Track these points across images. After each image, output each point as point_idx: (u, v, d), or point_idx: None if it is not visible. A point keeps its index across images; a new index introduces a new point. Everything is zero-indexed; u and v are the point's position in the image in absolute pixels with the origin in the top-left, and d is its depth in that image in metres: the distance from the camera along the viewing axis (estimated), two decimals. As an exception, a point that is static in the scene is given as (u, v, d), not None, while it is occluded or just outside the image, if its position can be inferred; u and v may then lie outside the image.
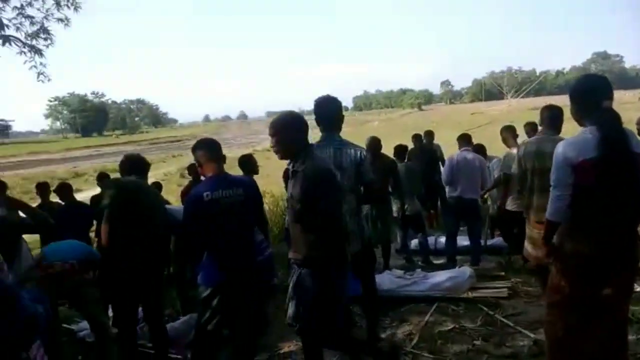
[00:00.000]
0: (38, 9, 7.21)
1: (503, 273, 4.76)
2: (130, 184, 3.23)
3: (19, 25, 7.16)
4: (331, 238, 2.52)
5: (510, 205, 5.07)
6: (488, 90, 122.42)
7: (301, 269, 2.57)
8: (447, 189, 5.91)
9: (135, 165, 3.34)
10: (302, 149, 2.58)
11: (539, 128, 3.94)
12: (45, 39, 7.42)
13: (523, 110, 44.71)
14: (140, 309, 3.31)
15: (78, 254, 3.22)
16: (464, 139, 5.76)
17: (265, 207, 6.94)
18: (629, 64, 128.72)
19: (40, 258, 3.13)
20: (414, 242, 6.24)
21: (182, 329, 3.83)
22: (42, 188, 5.75)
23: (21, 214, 3.11)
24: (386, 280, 4.54)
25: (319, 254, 2.50)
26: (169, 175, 21.68)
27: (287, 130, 2.60)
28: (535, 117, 4.14)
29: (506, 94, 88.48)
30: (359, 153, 3.08)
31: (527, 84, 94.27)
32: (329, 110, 3.17)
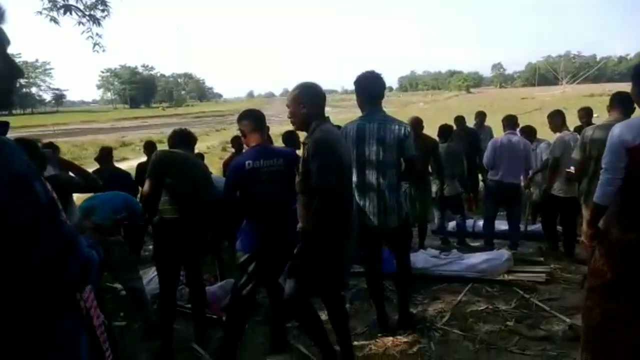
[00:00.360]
0: (97, -20, 7.41)
1: (542, 258, 4.64)
2: (175, 153, 3.34)
3: (79, -4, 7.39)
4: (325, 210, 2.41)
5: (556, 190, 4.91)
6: (542, 75, 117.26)
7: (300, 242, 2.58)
8: (489, 172, 5.77)
9: (183, 138, 3.44)
10: (314, 121, 2.57)
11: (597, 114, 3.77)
12: (103, 10, 7.64)
13: (577, 96, 42.54)
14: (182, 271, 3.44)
15: (121, 208, 3.51)
16: (510, 121, 5.55)
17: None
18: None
19: (88, 213, 3.35)
20: (452, 224, 6.17)
21: (219, 293, 3.98)
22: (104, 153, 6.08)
23: (71, 174, 3.31)
24: (421, 258, 4.53)
25: (311, 227, 2.47)
26: (211, 148, 22.16)
27: (299, 101, 2.61)
28: (590, 104, 3.97)
29: (561, 80, 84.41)
30: (402, 129, 3.07)
31: (585, 69, 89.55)
32: (371, 86, 3.15)
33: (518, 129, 5.67)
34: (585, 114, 6.80)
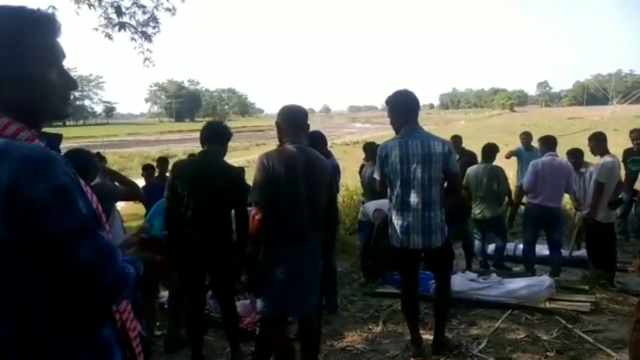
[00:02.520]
0: (150, -1, 7.81)
1: (587, 287, 4.44)
2: (187, 161, 3.31)
3: (132, 14, 7.80)
4: (248, 221, 2.61)
5: (600, 216, 4.72)
6: (591, 94, 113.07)
7: None
8: (528, 195, 5.58)
9: (211, 133, 3.16)
10: (285, 139, 2.66)
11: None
12: (154, 27, 8.03)
13: (629, 117, 40.75)
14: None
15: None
16: (547, 142, 5.35)
17: (340, 199, 7.06)
18: None
19: (142, 228, 3.44)
20: (491, 247, 6.01)
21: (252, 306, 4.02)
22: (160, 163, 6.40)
23: (116, 184, 3.47)
24: (458, 281, 4.42)
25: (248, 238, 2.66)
26: (251, 162, 22.57)
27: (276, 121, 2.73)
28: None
29: (612, 99, 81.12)
30: (446, 145, 3.07)
31: (638, 89, 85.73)
32: (406, 103, 3.16)
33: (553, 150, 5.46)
34: (638, 136, 6.51)
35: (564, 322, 3.72)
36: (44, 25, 1.07)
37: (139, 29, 7.99)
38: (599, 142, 4.91)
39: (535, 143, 8.03)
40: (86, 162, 2.81)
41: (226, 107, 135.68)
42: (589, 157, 5.39)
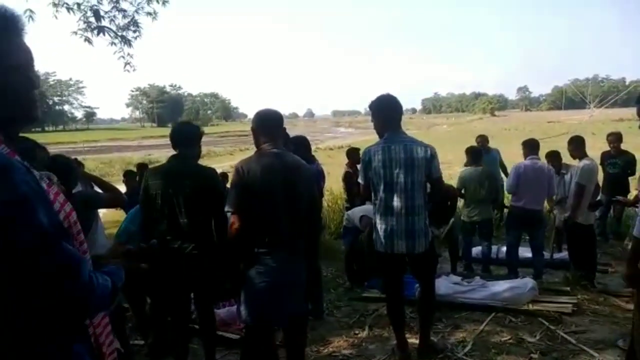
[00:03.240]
0: (130, 3, 7.73)
1: (568, 288, 4.50)
2: (157, 167, 3.20)
3: (112, 18, 7.70)
4: (225, 229, 2.61)
5: (580, 218, 4.81)
6: (569, 99, 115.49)
7: None
8: (511, 198, 5.67)
9: (182, 135, 3.01)
10: (261, 145, 2.67)
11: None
12: (135, 31, 7.94)
13: (606, 121, 41.69)
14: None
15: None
16: (529, 146, 5.42)
17: (325, 204, 7.06)
18: None
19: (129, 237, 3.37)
20: (475, 250, 6.06)
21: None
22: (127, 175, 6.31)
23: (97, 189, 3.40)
24: (442, 285, 4.44)
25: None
26: (234, 168, 22.47)
27: (252, 127, 2.73)
28: (620, 129, 3.90)
29: (589, 103, 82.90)
30: (428, 150, 3.07)
31: (614, 93, 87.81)
32: (389, 108, 3.17)
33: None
34: (616, 139, 6.65)
35: (546, 323, 3.76)
36: (10, 25, 1.03)
37: (119, 33, 7.90)
38: (577, 145, 5.00)
39: (514, 147, 8.11)
40: (69, 170, 2.75)
41: (209, 111, 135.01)
42: (567, 160, 5.48)
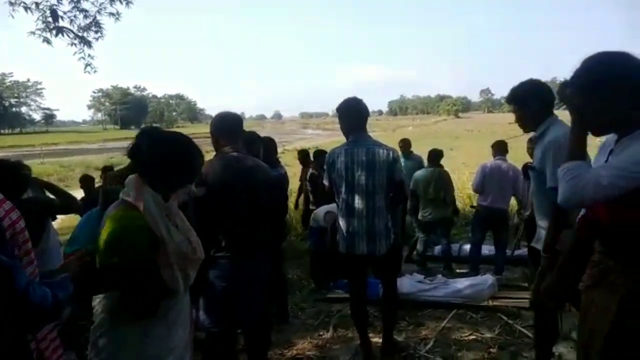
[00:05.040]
0: (92, 3, 7.50)
1: (527, 284, 4.64)
2: (117, 174, 3.03)
3: (72, 18, 7.46)
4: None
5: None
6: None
7: None
8: (477, 197, 5.84)
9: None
10: (223, 148, 2.64)
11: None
12: (96, 32, 7.72)
13: (566, 121, 43.27)
14: None
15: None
16: (498, 147, 5.62)
17: (290, 205, 7.05)
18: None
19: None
20: (437, 249, 6.18)
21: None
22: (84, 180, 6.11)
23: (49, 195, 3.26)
24: (406, 284, 4.51)
25: None
26: (201, 170, 22.14)
27: (210, 130, 2.72)
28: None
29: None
30: (391, 153, 3.09)
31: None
32: (356, 111, 3.18)
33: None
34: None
35: (505, 318, 3.87)
36: None
37: (79, 34, 7.67)
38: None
39: (477, 147, 8.29)
40: (13, 175, 2.62)
41: (174, 113, 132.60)
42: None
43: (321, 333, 3.83)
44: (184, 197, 1.81)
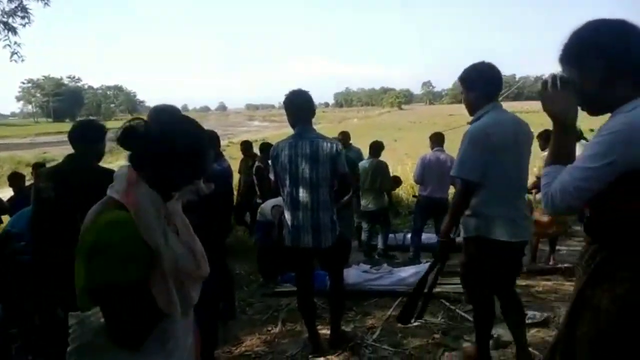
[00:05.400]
0: (18, -14, 6.99)
1: (467, 270, 4.83)
2: (50, 172, 2.86)
3: (-5, 2, 6.92)
4: None
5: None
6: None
7: None
8: (418, 188, 6.05)
9: (79, 133, 2.74)
10: None
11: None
12: (23, 17, 7.19)
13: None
14: None
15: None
16: (435, 139, 5.84)
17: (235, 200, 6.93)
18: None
19: None
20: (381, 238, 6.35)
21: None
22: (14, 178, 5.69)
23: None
24: (353, 274, 4.57)
25: None
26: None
27: None
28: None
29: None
30: (334, 146, 3.08)
31: (506, 88, 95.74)
32: (301, 104, 3.15)
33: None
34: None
35: (447, 304, 4.01)
36: None
37: (4, 19, 7.13)
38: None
39: (420, 138, 8.50)
40: None
41: (112, 105, 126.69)
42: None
43: (269, 328, 3.81)
44: (191, 197, 1.39)
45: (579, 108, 1.41)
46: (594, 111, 1.38)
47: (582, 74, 1.35)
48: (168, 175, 1.29)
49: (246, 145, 7.05)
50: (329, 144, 3.08)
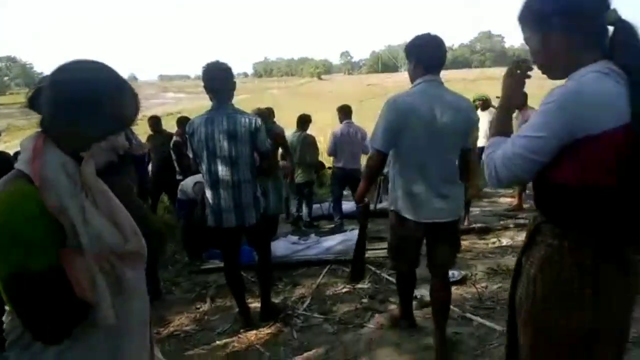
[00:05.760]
0: None
1: (390, 235, 5.02)
2: None
3: None
4: None
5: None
6: (384, 63, 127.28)
7: None
8: (332, 160, 6.21)
9: None
10: None
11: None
12: None
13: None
14: None
15: None
16: (344, 112, 5.99)
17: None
18: (509, 43, 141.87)
19: None
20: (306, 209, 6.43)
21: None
22: None
23: None
24: (281, 246, 4.59)
25: None
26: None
27: None
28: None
29: (400, 67, 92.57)
30: (253, 121, 2.97)
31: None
32: (217, 77, 2.98)
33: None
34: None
35: (373, 269, 4.16)
36: None
37: None
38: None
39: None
40: None
41: (5, 78, 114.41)
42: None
43: (198, 306, 3.73)
44: (109, 157, 1.15)
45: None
46: (554, 76, 1.37)
47: (541, 38, 1.32)
48: (73, 129, 1.09)
49: (155, 121, 6.59)
50: (247, 119, 2.95)
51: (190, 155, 3.12)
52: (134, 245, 1.20)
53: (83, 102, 1.08)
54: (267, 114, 6.86)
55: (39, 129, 1.12)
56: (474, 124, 2.77)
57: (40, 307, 1.03)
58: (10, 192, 1.03)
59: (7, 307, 1.12)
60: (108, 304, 1.10)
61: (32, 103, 1.12)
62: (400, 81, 57.30)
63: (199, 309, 3.69)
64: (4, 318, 1.14)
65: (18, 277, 1.00)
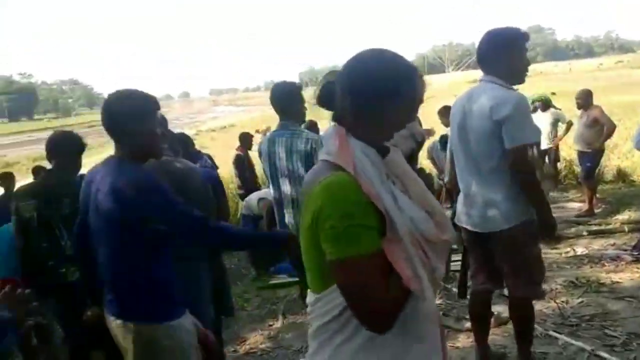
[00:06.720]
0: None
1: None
2: (29, 189, 2.75)
3: None
4: None
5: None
6: (430, 64, 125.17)
7: None
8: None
9: (57, 146, 2.64)
10: None
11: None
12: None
13: (464, 82, 45.82)
14: None
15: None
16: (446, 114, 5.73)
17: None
18: (560, 36, 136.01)
19: None
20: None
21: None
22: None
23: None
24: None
25: None
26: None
27: None
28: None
29: (447, 67, 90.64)
30: (309, 143, 2.91)
31: (467, 57, 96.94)
32: (279, 97, 2.99)
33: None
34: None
35: (441, 283, 4.02)
36: None
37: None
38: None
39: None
40: None
41: (70, 100, 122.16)
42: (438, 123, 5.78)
43: (271, 323, 3.78)
44: (410, 145, 1.18)
45: None
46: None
47: None
48: (377, 120, 1.10)
49: (244, 137, 6.62)
50: (303, 142, 2.91)
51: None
52: (449, 235, 1.15)
53: (386, 93, 1.09)
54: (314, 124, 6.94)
55: (333, 123, 1.15)
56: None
57: (374, 290, 1.01)
58: (333, 180, 1.03)
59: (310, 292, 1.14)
60: (431, 294, 1.08)
61: (321, 101, 1.19)
62: (445, 82, 56.03)
63: (271, 325, 3.74)
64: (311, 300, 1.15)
65: (352, 260, 1.00)
